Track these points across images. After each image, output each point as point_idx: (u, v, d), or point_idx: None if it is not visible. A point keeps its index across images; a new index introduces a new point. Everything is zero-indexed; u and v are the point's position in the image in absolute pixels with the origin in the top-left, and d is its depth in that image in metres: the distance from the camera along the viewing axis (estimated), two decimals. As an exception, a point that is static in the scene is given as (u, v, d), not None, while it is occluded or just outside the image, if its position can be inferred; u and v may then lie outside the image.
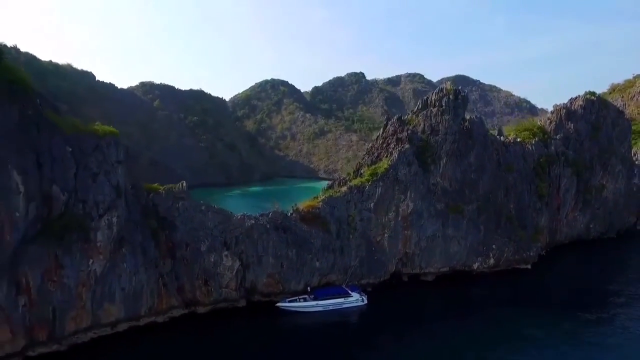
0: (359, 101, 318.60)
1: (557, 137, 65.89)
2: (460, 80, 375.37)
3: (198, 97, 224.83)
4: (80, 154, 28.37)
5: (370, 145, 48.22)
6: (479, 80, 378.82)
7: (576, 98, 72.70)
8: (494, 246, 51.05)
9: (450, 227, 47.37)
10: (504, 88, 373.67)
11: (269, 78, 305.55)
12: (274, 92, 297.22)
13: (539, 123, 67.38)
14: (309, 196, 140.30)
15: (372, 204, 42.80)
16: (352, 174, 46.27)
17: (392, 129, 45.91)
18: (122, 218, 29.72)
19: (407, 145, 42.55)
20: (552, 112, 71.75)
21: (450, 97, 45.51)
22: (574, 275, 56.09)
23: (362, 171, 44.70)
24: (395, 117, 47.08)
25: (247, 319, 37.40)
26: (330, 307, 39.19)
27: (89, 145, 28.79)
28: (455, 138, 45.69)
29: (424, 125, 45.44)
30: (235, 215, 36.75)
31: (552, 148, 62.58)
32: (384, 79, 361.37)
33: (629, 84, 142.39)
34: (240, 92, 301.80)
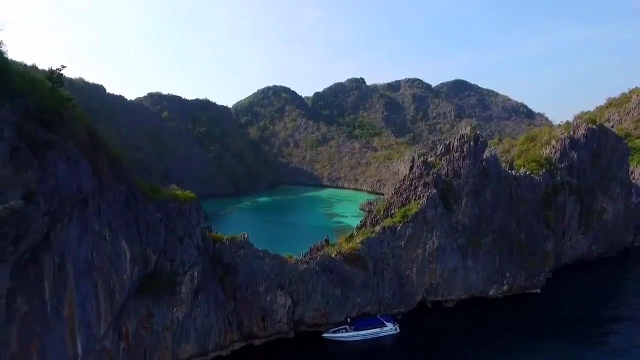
0: (360, 107, 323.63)
1: (562, 166, 71.09)
2: (459, 85, 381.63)
3: (204, 107, 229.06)
4: (167, 218, 33.04)
5: (398, 185, 53.06)
6: (477, 85, 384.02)
7: (579, 127, 78.08)
8: (507, 274, 56.22)
9: (470, 260, 52.43)
10: (501, 89, 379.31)
11: (271, 85, 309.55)
12: (276, 98, 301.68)
13: (545, 153, 72.15)
14: (317, 207, 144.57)
15: (403, 243, 47.73)
16: (382, 212, 51.15)
17: (419, 171, 50.91)
18: (201, 272, 34.43)
19: (434, 191, 47.55)
20: (556, 141, 76.84)
21: (472, 143, 50.49)
22: (579, 297, 61.31)
23: (393, 211, 49.59)
24: (421, 160, 52.08)
25: (297, 349, 42.25)
26: (369, 337, 44.17)
27: (173, 210, 33.46)
28: (475, 180, 50.71)
29: (447, 169, 50.46)
30: (289, 260, 41.47)
31: (558, 178, 67.77)
32: (384, 84, 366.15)
33: (625, 99, 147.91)
34: (243, 98, 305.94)
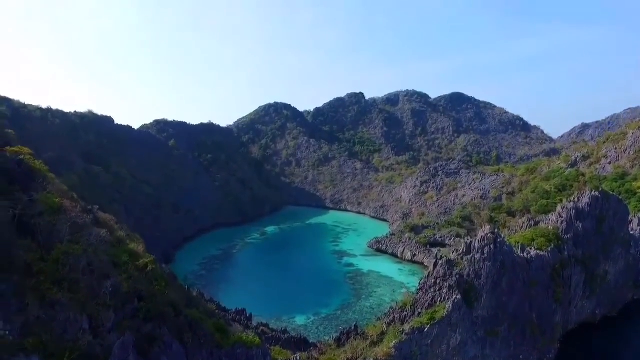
0: (359, 122, 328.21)
1: (568, 236, 75.87)
2: (456, 98, 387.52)
3: (208, 131, 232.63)
4: (235, 364, 37.13)
5: (423, 281, 57.45)
6: (474, 97, 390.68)
7: (583, 195, 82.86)
8: (521, 357, 61.01)
9: (488, 348, 57.03)
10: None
11: (272, 102, 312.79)
12: (277, 115, 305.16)
13: (551, 227, 76.48)
14: (324, 241, 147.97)
15: (429, 341, 52.15)
16: (409, 307, 55.60)
17: (442, 271, 55.38)
18: (263, 405, 38.63)
19: (459, 296, 52.08)
20: (562, 208, 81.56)
21: (491, 247, 55.09)
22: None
23: (419, 310, 54.05)
24: (444, 260, 56.51)
25: None
26: None
27: (241, 356, 37.51)
28: (495, 279, 55.28)
29: (469, 270, 54.98)
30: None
31: (565, 253, 72.56)
32: (383, 98, 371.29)
33: (622, 134, 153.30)
34: (244, 115, 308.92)
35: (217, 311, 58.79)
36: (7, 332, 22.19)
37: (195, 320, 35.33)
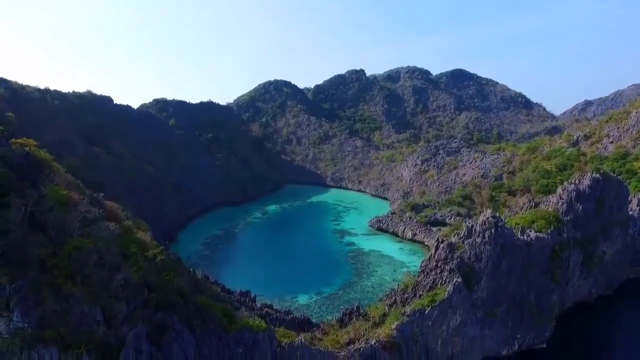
0: (360, 99, 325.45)
1: (568, 218, 76.66)
2: (458, 75, 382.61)
3: (208, 109, 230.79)
4: (244, 349, 38.34)
5: (424, 264, 58.61)
6: (475, 74, 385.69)
7: (584, 176, 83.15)
8: (518, 335, 62.81)
9: (487, 328, 58.71)
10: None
11: (272, 79, 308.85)
12: (277, 93, 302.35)
13: (551, 209, 77.11)
14: (325, 220, 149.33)
15: (430, 322, 53.67)
16: (410, 289, 56.93)
17: (444, 254, 56.42)
18: (270, 387, 40.18)
19: (459, 279, 53.24)
20: (563, 190, 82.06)
21: (492, 230, 55.88)
22: (583, 347, 68.52)
23: (420, 293, 55.35)
24: (445, 243, 57.46)
25: None
26: None
27: (249, 341, 38.71)
28: (495, 262, 56.35)
29: (470, 253, 55.97)
30: (339, 354, 47.29)
31: (565, 235, 73.49)
32: (384, 75, 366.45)
33: (625, 113, 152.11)
34: (244, 93, 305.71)
35: (222, 294, 60.17)
36: (26, 325, 22.99)
37: (203, 306, 36.35)
